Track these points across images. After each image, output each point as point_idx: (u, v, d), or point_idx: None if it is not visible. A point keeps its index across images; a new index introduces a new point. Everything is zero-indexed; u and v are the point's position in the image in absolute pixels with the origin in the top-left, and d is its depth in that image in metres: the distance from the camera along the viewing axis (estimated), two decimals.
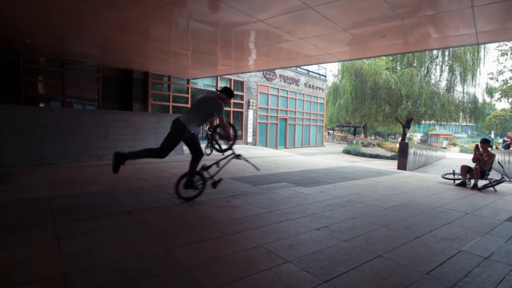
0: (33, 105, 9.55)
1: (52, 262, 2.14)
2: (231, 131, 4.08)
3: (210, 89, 14.77)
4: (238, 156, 4.13)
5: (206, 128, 10.08)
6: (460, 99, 19.82)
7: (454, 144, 36.78)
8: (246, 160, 4.23)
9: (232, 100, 15.62)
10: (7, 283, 1.85)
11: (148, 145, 8.49)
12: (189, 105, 13.68)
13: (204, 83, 14.51)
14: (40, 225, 2.86)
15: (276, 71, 18.42)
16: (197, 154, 3.82)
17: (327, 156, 17.35)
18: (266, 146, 17.57)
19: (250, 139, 16.79)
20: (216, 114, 3.77)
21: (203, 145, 11.47)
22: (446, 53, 19.34)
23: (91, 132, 7.38)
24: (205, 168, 3.97)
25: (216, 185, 3.97)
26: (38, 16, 5.76)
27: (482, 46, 18.17)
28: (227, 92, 3.96)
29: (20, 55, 9.10)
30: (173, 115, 9.77)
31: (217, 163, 4.05)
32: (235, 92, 15.75)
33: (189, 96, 13.68)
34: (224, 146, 4.08)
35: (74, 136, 7.05)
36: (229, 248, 2.51)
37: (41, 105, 10.13)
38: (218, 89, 5.35)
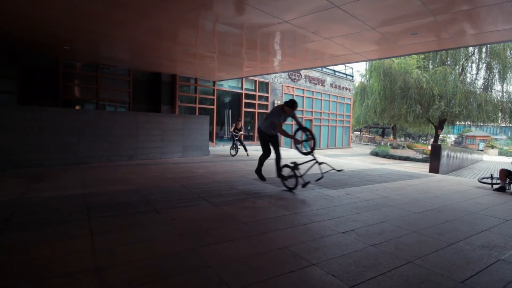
0: (70, 107, 10.15)
1: (87, 256, 2.26)
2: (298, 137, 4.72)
3: (235, 91, 14.94)
4: (319, 163, 4.58)
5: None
6: (498, 98, 18.56)
7: (492, 146, 34.52)
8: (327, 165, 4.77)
9: (257, 101, 15.72)
10: (46, 275, 1.98)
11: (176, 146, 8.76)
12: (214, 107, 13.92)
13: (229, 85, 14.69)
14: (76, 221, 3.04)
15: (302, 71, 18.26)
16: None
17: (353, 158, 16.93)
18: (291, 148, 17.45)
19: None
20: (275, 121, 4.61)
21: (228, 146, 11.66)
22: (484, 50, 18.19)
23: (123, 133, 7.72)
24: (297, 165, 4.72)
25: (305, 186, 4.62)
26: (75, 24, 6.13)
27: None
28: (289, 104, 4.61)
29: (59, 61, 9.72)
30: (199, 116, 10.00)
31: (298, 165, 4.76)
32: (260, 94, 15.85)
33: (215, 98, 13.91)
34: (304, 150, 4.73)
35: (107, 137, 7.41)
36: (254, 248, 2.53)
37: (77, 107, 10.75)
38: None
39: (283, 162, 4.92)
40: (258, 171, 5.02)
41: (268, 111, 16.25)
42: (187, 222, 3.13)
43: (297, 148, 4.73)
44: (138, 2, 4.88)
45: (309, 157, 4.68)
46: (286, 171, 4.87)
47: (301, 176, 4.64)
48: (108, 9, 5.23)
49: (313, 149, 4.66)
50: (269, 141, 4.83)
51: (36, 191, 4.23)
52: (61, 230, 2.77)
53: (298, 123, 4.86)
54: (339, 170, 4.98)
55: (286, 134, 4.67)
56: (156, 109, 12.07)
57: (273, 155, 4.87)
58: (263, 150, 4.88)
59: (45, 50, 8.58)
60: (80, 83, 10.69)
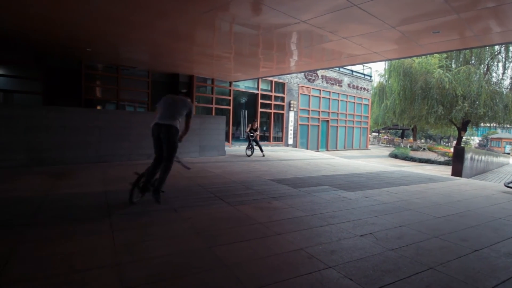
0: (92, 107, 10.49)
1: (108, 252, 2.33)
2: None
3: (251, 91, 14.97)
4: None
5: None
6: None
7: None
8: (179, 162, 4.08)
9: (273, 102, 15.69)
10: (69, 268, 2.05)
11: (192, 145, 8.87)
12: (231, 107, 13.99)
13: (245, 86, 14.73)
14: (97, 217, 3.13)
15: (318, 72, 18.07)
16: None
17: (371, 159, 16.60)
18: (307, 148, 17.32)
19: (290, 141, 16.67)
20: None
21: (244, 146, 11.70)
22: (510, 48, 17.40)
23: (142, 133, 7.88)
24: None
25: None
26: (97, 27, 6.33)
27: None
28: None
29: (81, 62, 10.06)
30: (216, 116, 10.08)
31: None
32: (276, 94, 15.81)
33: (231, 98, 13.98)
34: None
35: (126, 136, 7.61)
36: (270, 249, 2.52)
37: (98, 107, 11.09)
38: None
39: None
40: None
41: (283, 111, 16.22)
42: (203, 221, 3.16)
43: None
44: (156, 4, 4.98)
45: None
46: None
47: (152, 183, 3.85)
48: (128, 12, 5.37)
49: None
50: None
51: (60, 188, 4.40)
52: (83, 226, 2.86)
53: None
54: (188, 169, 4.37)
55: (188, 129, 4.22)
56: None
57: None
58: (157, 152, 4.06)
59: (69, 52, 8.91)
60: (101, 84, 11.03)
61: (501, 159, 20.55)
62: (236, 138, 14.80)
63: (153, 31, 6.48)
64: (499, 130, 39.60)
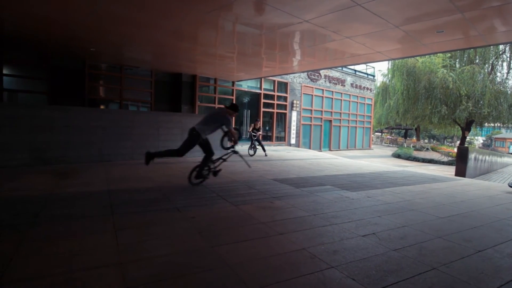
0: (95, 107, 10.54)
1: (111, 251, 2.34)
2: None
3: (254, 91, 14.97)
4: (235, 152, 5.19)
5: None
6: None
7: None
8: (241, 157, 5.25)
9: (276, 102, 15.68)
10: (72, 267, 2.07)
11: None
12: None
13: (248, 85, 14.74)
14: (101, 216, 3.15)
15: (321, 71, 18.03)
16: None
17: (374, 159, 16.54)
18: (310, 148, 17.29)
19: (293, 141, 16.65)
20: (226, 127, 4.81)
21: (246, 146, 11.70)
22: None
23: (145, 132, 7.93)
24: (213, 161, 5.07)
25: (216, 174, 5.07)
26: (101, 27, 6.36)
27: None
28: (233, 108, 4.90)
29: (85, 62, 10.11)
30: None
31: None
32: (279, 94, 15.80)
33: (234, 98, 13.99)
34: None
35: (129, 135, 7.64)
36: (272, 249, 2.52)
37: (102, 107, 11.14)
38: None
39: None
40: (156, 154, 4.63)
41: (286, 111, 16.20)
42: (206, 221, 3.17)
43: (223, 145, 5.43)
44: (160, 4, 4.99)
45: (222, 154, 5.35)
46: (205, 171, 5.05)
47: (214, 168, 5.10)
48: (131, 12, 5.39)
49: (235, 144, 5.11)
50: (199, 144, 4.81)
51: (63, 187, 4.43)
52: (87, 225, 2.88)
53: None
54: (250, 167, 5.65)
55: (237, 137, 4.95)
56: (177, 109, 12.30)
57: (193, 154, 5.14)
58: (181, 147, 4.65)
59: (72, 52, 8.96)
60: (105, 84, 11.08)
61: (506, 159, 20.40)
62: (239, 138, 14.79)
63: (157, 31, 6.50)
64: (503, 130, 39.30)
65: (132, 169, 6.35)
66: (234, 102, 4.85)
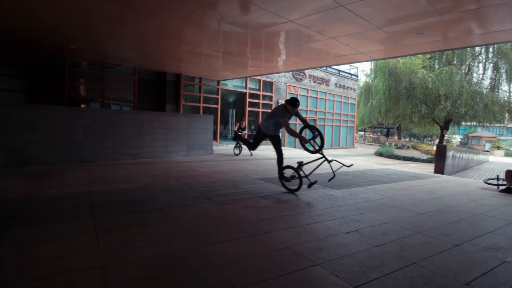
0: (76, 106, 10.23)
1: (92, 254, 2.28)
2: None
3: (239, 90, 14.94)
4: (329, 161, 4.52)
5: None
6: (506, 98, 18.40)
7: (499, 147, 34.10)
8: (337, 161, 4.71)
9: (261, 101, 15.71)
10: (52, 272, 2.00)
11: (180, 145, 8.81)
12: (219, 106, 13.94)
13: (234, 84, 14.70)
14: (81, 218, 3.06)
15: (306, 71, 18.21)
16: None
17: (358, 158, 16.87)
18: (295, 147, 17.43)
19: None
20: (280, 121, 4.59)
21: (232, 145, 11.68)
22: (490, 49, 18.02)
23: (128, 132, 7.76)
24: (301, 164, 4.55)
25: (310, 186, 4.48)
26: (82, 23, 6.17)
27: None
28: (291, 102, 4.53)
29: (65, 60, 9.80)
30: (204, 115, 10.02)
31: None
32: (264, 93, 15.84)
33: (219, 97, 13.92)
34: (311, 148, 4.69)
35: (112, 135, 7.47)
36: (257, 248, 2.53)
37: (83, 106, 10.83)
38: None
39: (287, 163, 4.89)
40: (240, 138, 5.37)
41: (271, 111, 16.26)
42: (190, 221, 3.14)
43: (304, 147, 4.61)
44: (144, 1, 4.90)
45: (317, 155, 4.61)
46: (288, 173, 4.78)
47: (306, 176, 4.52)
48: (115, 9, 5.26)
49: (321, 147, 4.59)
50: (262, 140, 4.90)
51: (42, 189, 4.28)
52: (66, 228, 2.79)
53: (303, 121, 4.83)
54: (349, 166, 4.99)
55: (294, 133, 4.60)
56: (161, 108, 12.13)
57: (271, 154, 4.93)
58: (253, 141, 4.98)
59: (52, 48, 8.65)
60: (86, 82, 10.78)
61: (481, 157, 21.25)
62: (224, 137, 14.75)
63: (141, 29, 6.37)
64: (479, 129, 40.97)
65: (114, 169, 6.21)
66: (294, 97, 4.66)
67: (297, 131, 5.15)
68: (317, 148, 4.61)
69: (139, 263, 2.16)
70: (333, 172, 4.50)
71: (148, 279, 1.95)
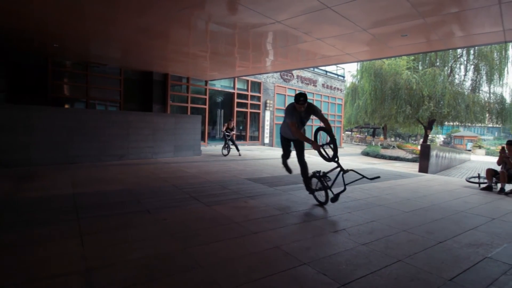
0: (59, 106, 9.96)
1: (77, 257, 2.23)
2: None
3: (227, 90, 14.89)
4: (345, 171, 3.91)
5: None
6: (486, 99, 19.00)
7: (480, 146, 35.22)
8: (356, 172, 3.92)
9: (249, 101, 15.71)
10: (36, 276, 1.95)
11: (167, 145, 8.70)
12: (206, 107, 13.86)
13: (222, 85, 14.64)
14: (66, 221, 2.99)
15: (294, 72, 18.32)
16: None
17: (345, 157, 17.08)
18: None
19: (267, 140, 16.79)
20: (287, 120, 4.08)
21: (220, 145, 11.63)
22: (471, 51, 18.58)
23: (113, 133, 7.62)
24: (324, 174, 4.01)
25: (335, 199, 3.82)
26: (66, 21, 6.02)
27: (510, 44, 17.31)
28: (295, 99, 3.93)
29: (48, 58, 9.53)
30: (191, 116, 9.94)
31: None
32: (252, 93, 15.85)
33: (207, 97, 13.84)
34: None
35: (97, 136, 7.30)
36: (246, 248, 2.53)
37: (66, 106, 10.56)
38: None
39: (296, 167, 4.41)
40: (284, 164, 4.64)
41: (260, 111, 16.30)
42: (178, 222, 3.11)
43: (320, 154, 3.93)
44: (130, 0, 4.82)
45: (334, 164, 3.93)
46: (314, 182, 4.22)
47: (329, 187, 3.94)
48: (100, 7, 5.15)
49: (335, 155, 3.87)
50: (290, 145, 4.43)
51: (25, 191, 4.15)
52: (51, 231, 2.72)
53: (323, 120, 4.09)
54: (372, 178, 3.96)
55: (302, 136, 4.02)
56: (148, 109, 11.95)
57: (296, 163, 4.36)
58: (282, 151, 4.58)
59: (34, 47, 8.40)
60: (70, 82, 10.51)
61: (463, 156, 21.87)
62: (212, 138, 14.67)
63: (127, 28, 6.27)
64: (461, 129, 42.16)
65: (100, 171, 6.08)
66: (301, 92, 3.86)
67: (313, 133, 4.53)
68: (329, 156, 3.97)
69: (125, 265, 2.13)
70: (344, 185, 3.85)
71: (134, 281, 1.92)
